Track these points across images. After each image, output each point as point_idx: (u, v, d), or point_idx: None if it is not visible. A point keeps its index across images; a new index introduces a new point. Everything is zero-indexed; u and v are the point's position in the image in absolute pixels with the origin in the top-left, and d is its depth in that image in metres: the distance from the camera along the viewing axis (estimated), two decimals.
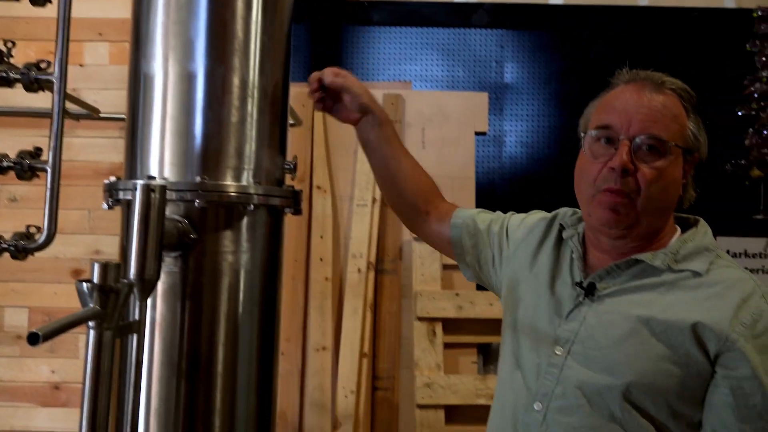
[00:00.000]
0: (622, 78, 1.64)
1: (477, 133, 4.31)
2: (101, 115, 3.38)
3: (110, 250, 4.02)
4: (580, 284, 1.63)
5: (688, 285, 1.53)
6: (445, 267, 4.03)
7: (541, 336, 1.64)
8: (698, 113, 1.62)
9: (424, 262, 3.98)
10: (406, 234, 4.04)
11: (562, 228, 1.77)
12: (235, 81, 1.57)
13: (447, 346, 3.90)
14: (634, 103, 1.57)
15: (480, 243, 1.92)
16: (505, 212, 2.00)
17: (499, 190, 4.32)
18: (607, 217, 1.57)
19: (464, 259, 1.96)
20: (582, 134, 1.65)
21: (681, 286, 1.53)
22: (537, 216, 1.90)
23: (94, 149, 4.08)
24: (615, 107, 1.59)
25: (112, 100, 3.97)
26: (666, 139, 1.53)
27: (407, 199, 2.02)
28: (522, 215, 1.94)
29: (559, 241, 1.76)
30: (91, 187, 4.03)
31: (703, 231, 1.64)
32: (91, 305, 1.12)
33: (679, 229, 1.65)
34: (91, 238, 4.04)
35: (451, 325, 3.93)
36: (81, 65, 4.12)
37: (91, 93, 4.02)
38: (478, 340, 3.96)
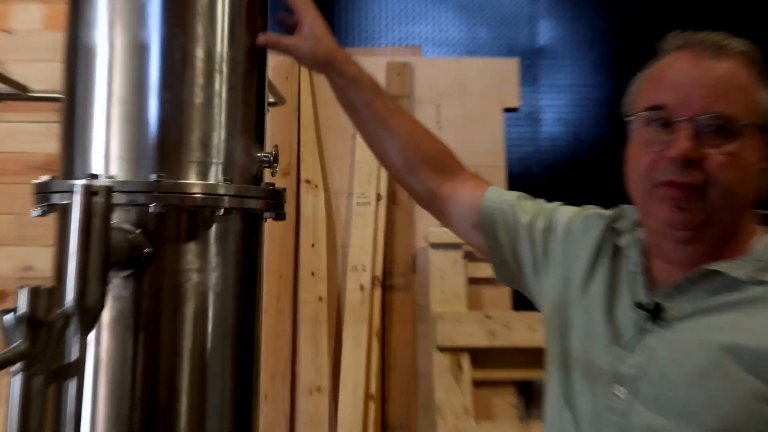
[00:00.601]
0: (673, 43, 1.64)
1: (506, 110, 4.32)
2: (32, 94, 3.37)
3: (45, 265, 4.03)
4: (643, 306, 1.61)
5: None
6: (473, 281, 4.03)
7: (598, 372, 1.63)
8: None
9: (444, 275, 3.98)
10: (421, 239, 4.04)
11: (616, 233, 1.77)
12: (199, 52, 1.56)
13: (477, 384, 3.90)
14: (691, 75, 1.56)
15: (520, 239, 1.92)
16: None
17: (535, 181, 4.33)
18: (669, 216, 1.56)
19: (499, 254, 1.95)
20: (629, 117, 1.65)
21: None
22: (592, 213, 1.88)
23: (24, 137, 4.10)
24: (667, 81, 1.58)
25: (47, 75, 3.96)
26: (736, 117, 1.52)
27: (410, 173, 2.03)
28: (572, 209, 1.93)
29: (617, 249, 1.76)
30: (20, 185, 4.03)
31: None
32: (17, 342, 1.10)
33: (762, 230, 1.64)
34: (20, 251, 4.05)
35: (481, 356, 3.93)
36: (7, 32, 4.13)
37: (19, 66, 4.04)
38: (517, 376, 3.96)
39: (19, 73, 3.80)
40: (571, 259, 1.81)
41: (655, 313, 1.59)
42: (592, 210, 1.89)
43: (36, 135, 4.06)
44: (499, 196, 1.97)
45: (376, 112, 1.97)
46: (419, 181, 2.02)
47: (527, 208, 1.94)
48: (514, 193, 1.98)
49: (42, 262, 4.03)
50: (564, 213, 1.91)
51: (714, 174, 1.51)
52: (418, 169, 2.01)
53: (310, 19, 1.86)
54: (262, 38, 1.66)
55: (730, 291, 1.55)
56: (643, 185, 1.59)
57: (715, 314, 1.54)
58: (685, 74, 1.56)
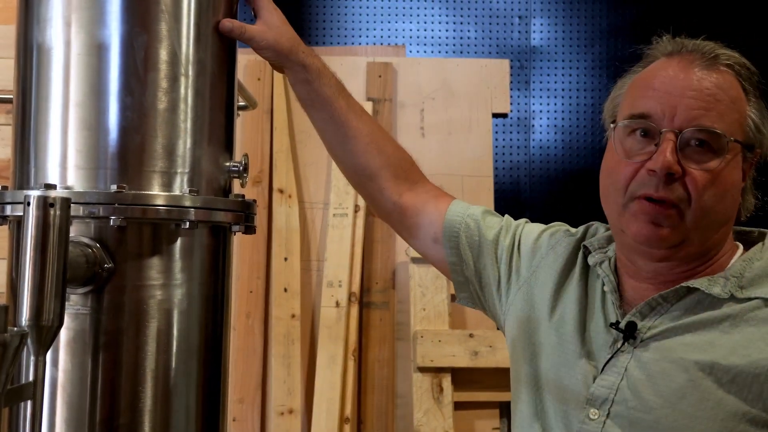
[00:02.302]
0: (663, 48, 1.67)
1: (495, 115, 4.35)
2: None
3: None
4: (616, 325, 1.64)
5: (759, 317, 1.56)
6: (456, 298, 4.05)
7: (571, 395, 1.66)
8: (762, 97, 1.65)
9: (426, 291, 4.00)
10: (401, 254, 4.07)
11: (586, 251, 1.80)
12: (163, 54, 1.57)
13: (459, 405, 3.93)
14: (680, 84, 1.59)
15: (483, 256, 1.93)
16: (534, 220, 2.02)
17: (525, 192, 4.35)
18: (646, 233, 1.59)
19: (461, 272, 1.97)
20: (610, 125, 1.68)
21: (750, 320, 1.56)
22: (561, 230, 1.92)
23: None
24: (654, 89, 1.61)
25: None
26: (722, 132, 1.56)
27: (369, 179, 2.03)
28: (539, 226, 1.95)
29: (586, 268, 1.79)
30: None
31: None
32: None
33: (740, 247, 1.69)
34: None
35: (463, 377, 3.96)
36: None
37: None
38: (500, 398, 3.99)
39: None
40: (537, 279, 1.84)
41: (628, 333, 1.62)
42: (559, 227, 1.93)
43: None
44: (464, 210, 1.98)
45: (338, 110, 1.97)
46: (378, 189, 2.02)
47: (492, 224, 1.96)
48: (480, 208, 2.00)
49: None
50: (530, 230, 1.94)
51: (694, 192, 1.55)
52: (378, 176, 2.01)
53: (270, 8, 1.86)
54: (227, 23, 1.65)
55: (706, 309, 1.59)
56: (619, 198, 1.62)
57: (691, 332, 1.58)
58: (674, 83, 1.59)
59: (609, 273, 1.70)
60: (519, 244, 1.90)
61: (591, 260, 1.76)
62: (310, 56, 1.92)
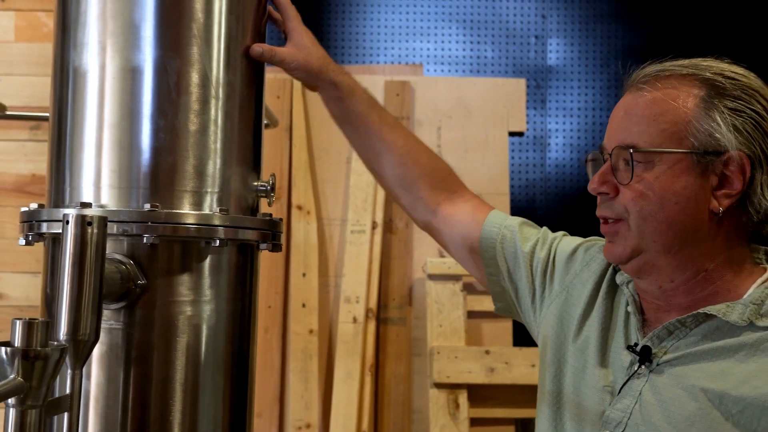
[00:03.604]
0: (627, 83, 1.74)
1: (512, 134, 4.37)
2: (10, 113, 3.43)
3: (16, 293, 4.05)
4: (633, 348, 1.66)
5: None
6: (472, 315, 4.08)
7: (588, 415, 1.68)
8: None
9: (442, 308, 4.03)
10: (418, 270, 4.09)
11: (617, 268, 1.80)
12: (194, 77, 1.61)
13: (474, 422, 3.94)
14: (615, 114, 1.70)
15: (520, 269, 1.94)
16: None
17: (541, 209, 4.38)
18: (606, 250, 1.70)
19: (498, 283, 1.98)
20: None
21: (766, 350, 1.54)
22: (597, 245, 1.91)
23: None
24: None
25: (19, 90, 4.02)
26: (639, 145, 1.61)
27: (407, 190, 2.05)
28: (576, 240, 1.96)
29: (614, 287, 1.80)
30: None
31: None
32: (12, 376, 1.16)
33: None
34: None
35: (479, 393, 3.97)
36: None
37: None
38: (516, 415, 4.00)
39: None
40: (570, 294, 1.85)
41: (644, 356, 1.63)
42: (596, 242, 1.92)
43: (7, 154, 4.05)
44: (502, 221, 1.99)
45: (371, 124, 1.99)
46: (416, 199, 2.04)
47: (530, 236, 1.96)
48: (518, 219, 2.00)
49: (14, 290, 4.05)
50: (567, 244, 1.94)
51: (627, 206, 1.62)
52: (416, 186, 2.03)
53: (299, 30, 1.89)
54: (257, 48, 1.69)
55: (724, 335, 1.58)
56: None
57: (706, 360, 1.58)
58: (614, 113, 1.70)
59: (634, 293, 1.71)
60: (554, 258, 1.91)
61: (619, 279, 1.77)
62: (341, 74, 1.95)
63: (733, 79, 1.62)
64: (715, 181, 1.59)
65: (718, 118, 1.59)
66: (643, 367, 1.63)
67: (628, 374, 1.65)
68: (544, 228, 2.01)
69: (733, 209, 1.61)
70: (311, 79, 1.93)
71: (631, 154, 1.60)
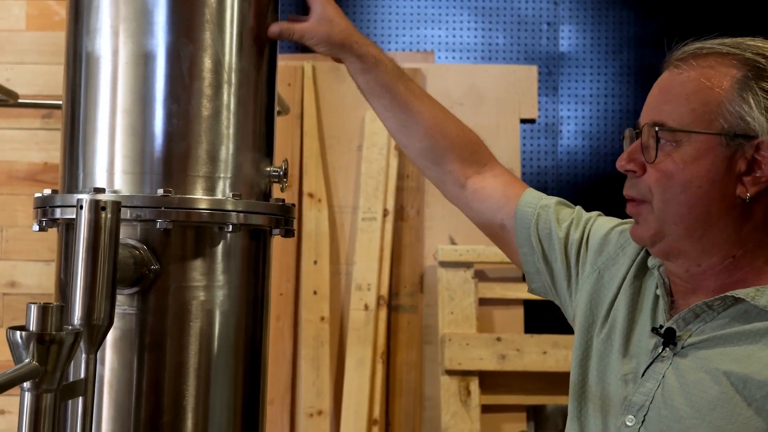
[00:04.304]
0: (665, 62, 1.69)
1: (523, 121, 4.37)
2: (22, 101, 3.43)
3: (30, 281, 4.07)
4: (658, 330, 1.64)
5: None
6: (483, 302, 4.08)
7: (610, 399, 1.67)
8: None
9: (453, 295, 4.03)
10: (429, 257, 4.10)
11: (648, 252, 1.77)
12: (207, 62, 1.61)
13: (486, 409, 3.95)
14: (652, 91, 1.66)
15: (555, 250, 1.90)
16: None
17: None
18: (631, 231, 1.69)
19: (532, 262, 1.94)
20: None
21: None
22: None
23: (6, 145, 4.12)
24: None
25: (30, 79, 4.02)
26: (671, 124, 1.58)
27: (436, 162, 2.01)
28: (611, 221, 1.91)
29: (643, 269, 1.77)
30: (3, 195, 4.07)
31: None
32: (27, 360, 1.16)
33: None
34: (3, 266, 4.08)
35: (490, 380, 3.98)
36: None
37: (0, 69, 4.08)
38: (527, 401, 4.01)
39: (2, 76, 3.87)
40: (602, 278, 1.82)
41: (668, 339, 1.61)
42: (631, 224, 1.82)
43: (19, 142, 4.06)
44: (537, 200, 1.94)
45: (398, 95, 1.95)
46: (445, 172, 2.00)
47: (565, 217, 1.92)
48: (553, 199, 1.95)
49: (27, 278, 4.06)
50: (601, 225, 1.90)
51: (650, 186, 1.60)
52: (444, 159, 1.99)
53: (322, 1, 1.86)
54: (275, 28, 1.69)
55: (751, 320, 1.55)
56: None
57: (732, 344, 1.56)
58: (651, 91, 1.66)
59: (665, 276, 1.69)
60: (588, 239, 1.88)
61: (651, 262, 1.74)
62: (365, 45, 1.91)
63: (766, 59, 1.57)
64: (743, 166, 1.55)
65: (752, 101, 1.54)
66: (667, 350, 1.61)
67: (652, 357, 1.63)
68: (578, 207, 1.96)
69: (765, 196, 1.57)
70: (334, 52, 1.90)
71: (656, 132, 1.57)
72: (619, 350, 1.70)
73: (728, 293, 1.58)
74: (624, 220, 1.88)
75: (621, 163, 1.63)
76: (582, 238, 1.88)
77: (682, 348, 1.61)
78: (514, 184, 2.00)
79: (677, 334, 1.61)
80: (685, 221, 1.58)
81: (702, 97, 1.57)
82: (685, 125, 1.57)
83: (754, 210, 1.58)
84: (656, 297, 1.71)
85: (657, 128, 1.57)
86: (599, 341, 1.76)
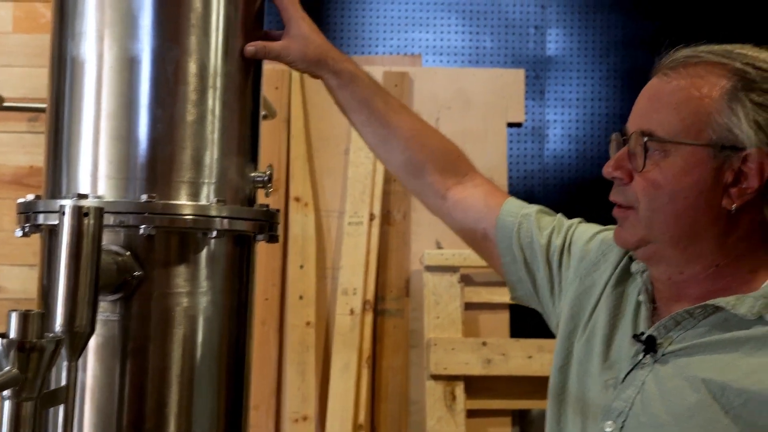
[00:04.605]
0: (655, 67, 1.68)
1: (510, 125, 4.37)
2: (8, 104, 3.42)
3: (14, 286, 4.04)
4: (639, 337, 1.64)
5: None
6: (469, 306, 4.08)
7: (590, 405, 1.67)
8: None
9: (439, 299, 4.03)
10: (416, 262, 4.10)
11: (632, 258, 1.78)
12: (192, 67, 1.60)
13: (471, 413, 3.95)
14: (640, 97, 1.66)
15: (537, 259, 1.91)
16: None
17: (540, 201, 4.35)
18: (615, 234, 1.68)
19: (515, 271, 1.95)
20: None
21: None
22: (612, 235, 1.85)
23: None
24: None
25: (17, 81, 4.01)
26: (660, 133, 1.57)
27: (416, 175, 2.02)
28: (592, 228, 1.92)
29: (626, 274, 1.78)
30: None
31: None
32: (7, 368, 1.16)
33: None
34: None
35: (476, 385, 3.98)
36: None
37: None
38: (513, 406, 4.01)
39: None
40: (585, 285, 1.82)
41: (648, 346, 1.61)
42: (613, 231, 1.82)
43: (5, 146, 4.05)
44: (519, 209, 1.95)
45: (376, 110, 1.95)
46: (425, 184, 2.01)
47: (546, 225, 1.92)
48: (534, 207, 1.96)
49: (12, 283, 4.04)
50: (583, 231, 1.90)
51: (636, 194, 1.60)
52: (424, 171, 2.00)
53: (296, 18, 1.85)
54: (250, 48, 1.68)
55: (731, 328, 1.56)
56: None
57: (711, 352, 1.56)
58: (639, 97, 1.66)
59: (647, 282, 1.69)
60: (569, 245, 1.88)
61: (634, 267, 1.74)
62: (341, 62, 1.91)
63: (765, 70, 1.56)
64: (730, 178, 1.55)
65: (741, 113, 1.54)
66: (647, 357, 1.61)
67: (632, 363, 1.63)
68: (559, 215, 1.97)
69: (751, 206, 1.57)
70: (311, 69, 1.90)
71: (645, 141, 1.57)
72: (599, 355, 1.71)
73: (709, 302, 1.58)
74: (606, 227, 1.89)
75: (608, 170, 1.63)
76: (564, 245, 1.88)
77: (663, 355, 1.61)
78: (495, 193, 2.01)
79: (658, 341, 1.61)
80: (671, 230, 1.59)
81: (692, 107, 1.57)
82: (674, 135, 1.56)
83: (740, 220, 1.58)
84: (638, 303, 1.71)
85: (646, 138, 1.57)
86: (579, 346, 1.76)
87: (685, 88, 1.58)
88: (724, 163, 1.55)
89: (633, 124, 1.62)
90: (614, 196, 1.64)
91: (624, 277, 1.77)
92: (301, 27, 1.85)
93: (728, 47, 1.62)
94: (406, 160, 2.01)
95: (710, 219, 1.57)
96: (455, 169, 2.01)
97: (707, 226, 1.58)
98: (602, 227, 1.90)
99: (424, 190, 2.02)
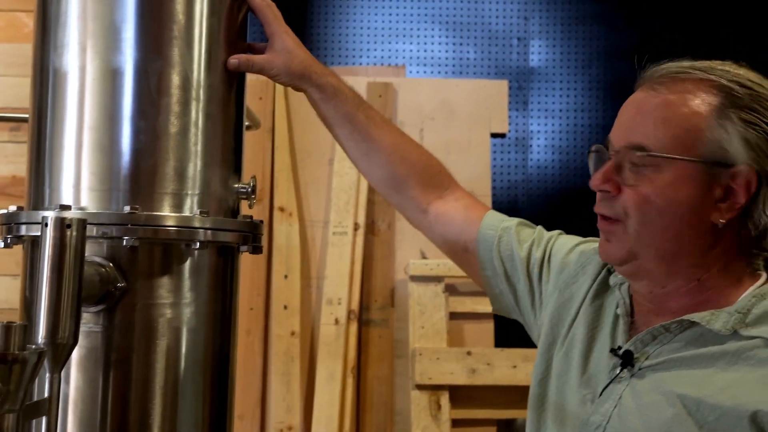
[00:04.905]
0: (639, 80, 1.68)
1: (494, 135, 4.38)
2: None
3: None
4: (616, 351, 1.64)
5: (757, 358, 1.52)
6: (454, 316, 4.08)
7: (569, 419, 1.68)
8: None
9: (424, 309, 4.03)
10: (400, 272, 4.10)
11: (612, 269, 1.78)
12: (175, 78, 1.60)
13: (456, 423, 3.95)
14: (626, 109, 1.64)
15: (517, 272, 1.92)
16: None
17: (523, 211, 4.38)
18: (600, 248, 1.67)
19: (495, 285, 1.95)
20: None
21: (748, 359, 1.52)
22: (591, 247, 1.87)
23: None
24: (617, 119, 1.66)
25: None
26: (651, 148, 1.57)
27: (397, 189, 2.03)
28: (572, 240, 1.93)
29: (605, 287, 1.78)
30: None
31: None
32: None
33: (763, 277, 1.64)
34: None
35: (461, 394, 3.98)
36: None
37: None
38: (498, 415, 4.01)
39: None
40: (564, 297, 1.83)
41: (626, 360, 1.62)
42: (592, 243, 1.87)
43: None
44: (499, 223, 1.96)
45: (359, 124, 1.95)
46: (406, 198, 2.02)
47: (526, 237, 1.93)
48: (515, 220, 1.97)
49: None
50: (563, 244, 1.91)
51: (627, 208, 1.58)
52: (405, 185, 2.01)
53: (280, 32, 1.85)
54: (233, 61, 1.68)
55: (707, 343, 1.56)
56: None
57: (687, 366, 1.56)
58: (625, 107, 1.64)
59: (626, 296, 1.70)
60: (549, 258, 1.89)
61: (612, 280, 1.75)
62: (324, 76, 1.91)
63: (750, 88, 1.58)
64: (719, 193, 1.56)
65: (730, 130, 1.55)
66: (625, 371, 1.62)
67: (610, 377, 1.63)
68: (539, 227, 1.98)
69: (734, 221, 1.58)
70: (294, 83, 1.89)
71: (638, 155, 1.57)
72: (578, 368, 1.71)
73: (685, 317, 1.58)
74: (585, 239, 1.91)
75: (596, 183, 1.61)
76: (544, 257, 1.89)
77: (640, 369, 1.61)
78: (476, 206, 2.01)
79: (635, 355, 1.61)
80: (658, 244, 1.59)
81: (683, 123, 1.57)
82: (666, 150, 1.56)
83: (724, 235, 1.59)
84: (617, 316, 1.71)
85: (639, 152, 1.57)
86: (558, 359, 1.77)
87: (675, 103, 1.58)
88: (713, 178, 1.56)
89: (619, 137, 1.61)
90: (601, 209, 1.63)
91: (602, 289, 1.78)
92: (285, 41, 1.85)
93: (710, 63, 1.63)
94: (388, 174, 2.02)
95: (697, 233, 1.58)
96: (436, 183, 2.02)
97: (693, 240, 1.58)
98: (582, 239, 1.91)
99: (406, 203, 2.03)
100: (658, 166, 1.56)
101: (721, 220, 1.56)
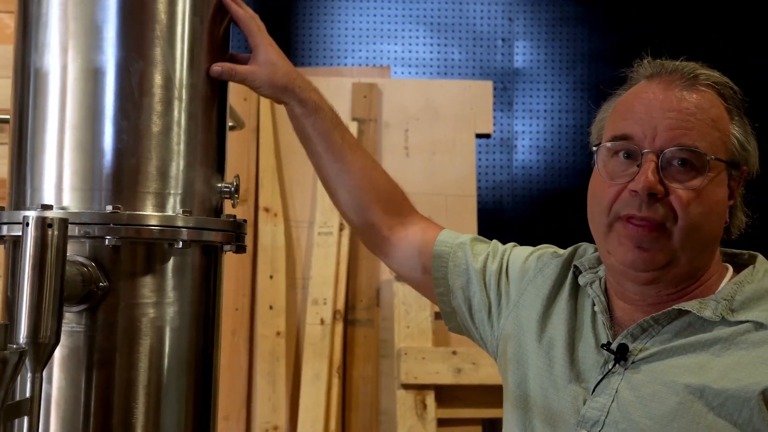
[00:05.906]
0: (644, 71, 1.70)
1: (479, 136, 4.38)
2: None
3: None
4: (607, 346, 1.65)
5: (750, 341, 1.57)
6: (439, 316, 4.07)
7: (560, 417, 1.68)
8: (746, 115, 1.68)
9: (409, 309, 4.03)
10: (386, 272, 4.10)
11: (577, 271, 1.80)
12: (157, 78, 1.60)
13: (442, 422, 3.95)
14: (660, 106, 1.62)
15: (472, 284, 1.94)
16: (516, 240, 2.03)
17: (508, 211, 4.38)
18: (632, 258, 1.61)
19: (448, 302, 1.98)
20: (594, 147, 1.71)
21: (741, 343, 1.57)
22: (548, 252, 1.92)
23: None
24: (635, 111, 1.64)
25: None
26: (703, 150, 1.58)
27: (361, 213, 2.04)
28: (527, 249, 1.96)
29: (576, 288, 1.80)
30: None
31: (763, 269, 1.68)
32: None
33: (730, 269, 1.70)
34: None
35: (446, 394, 3.98)
36: None
37: None
38: (483, 415, 4.01)
39: None
40: (525, 301, 1.85)
41: (620, 354, 1.63)
42: (546, 249, 1.93)
43: None
44: (453, 239, 1.99)
45: (333, 144, 1.96)
46: (369, 223, 2.03)
47: (480, 251, 1.96)
48: (468, 236, 2.00)
49: None
50: (518, 254, 1.94)
51: (680, 209, 1.57)
52: (369, 211, 2.02)
53: (264, 44, 1.85)
54: (216, 68, 1.67)
55: (697, 332, 1.60)
56: (603, 219, 1.64)
57: (682, 355, 1.59)
58: (654, 104, 1.62)
59: (600, 293, 1.71)
60: (507, 268, 1.91)
61: (582, 280, 1.76)
62: (306, 91, 1.92)
63: (734, 90, 1.65)
64: (728, 193, 1.64)
65: (736, 132, 1.64)
66: (617, 365, 1.63)
67: (602, 373, 1.65)
68: (494, 241, 2.01)
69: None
70: (276, 96, 1.90)
71: (688, 157, 1.58)
72: (563, 367, 1.72)
73: (674, 306, 1.62)
74: (538, 247, 1.95)
75: (648, 185, 1.56)
76: (501, 269, 1.92)
77: (633, 363, 1.63)
78: (432, 227, 2.04)
79: (629, 349, 1.63)
80: (699, 246, 1.62)
81: (722, 126, 1.62)
82: (714, 152, 1.60)
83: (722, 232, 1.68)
84: (594, 313, 1.73)
85: (688, 154, 1.58)
86: (537, 358, 1.78)
87: (708, 106, 1.62)
88: (729, 179, 1.64)
89: (666, 138, 1.59)
90: (648, 212, 1.58)
91: (575, 289, 1.80)
92: (269, 53, 1.85)
93: (695, 66, 1.66)
94: (354, 199, 2.03)
95: (719, 234, 1.66)
96: (399, 210, 2.05)
97: (717, 240, 1.66)
98: (536, 248, 1.95)
99: (366, 228, 2.05)
100: (705, 169, 1.58)
101: (726, 219, 1.65)
